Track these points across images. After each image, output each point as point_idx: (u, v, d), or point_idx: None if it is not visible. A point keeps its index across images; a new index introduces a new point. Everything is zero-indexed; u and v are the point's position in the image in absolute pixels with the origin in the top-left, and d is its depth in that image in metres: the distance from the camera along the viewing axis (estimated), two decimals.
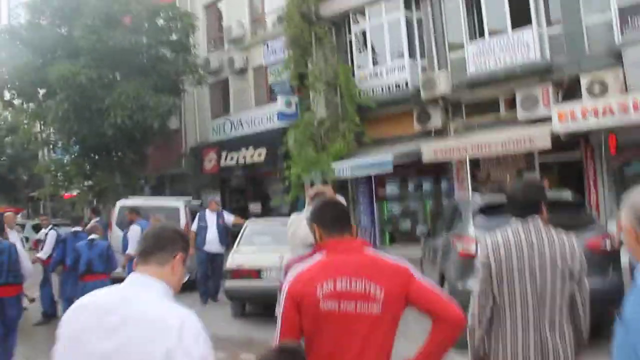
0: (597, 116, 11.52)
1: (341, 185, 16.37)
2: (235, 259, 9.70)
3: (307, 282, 2.48)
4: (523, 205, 3.22)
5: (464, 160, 14.88)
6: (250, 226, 10.75)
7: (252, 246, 9.99)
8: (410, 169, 16.16)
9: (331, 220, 2.67)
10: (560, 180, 13.92)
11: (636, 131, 11.80)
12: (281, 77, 18.10)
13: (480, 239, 3.37)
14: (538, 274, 3.06)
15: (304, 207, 17.48)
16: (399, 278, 2.49)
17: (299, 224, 5.10)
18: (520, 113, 13.47)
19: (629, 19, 11.56)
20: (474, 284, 3.26)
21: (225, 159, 20.17)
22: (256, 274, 9.33)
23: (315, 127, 16.73)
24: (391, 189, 17.86)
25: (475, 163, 15.24)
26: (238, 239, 10.30)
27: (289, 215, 18.58)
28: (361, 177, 16.53)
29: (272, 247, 9.67)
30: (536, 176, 12.42)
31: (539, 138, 12.28)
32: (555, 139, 12.24)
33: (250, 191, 21.60)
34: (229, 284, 9.56)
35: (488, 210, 7.34)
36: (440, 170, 16.00)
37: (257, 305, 10.22)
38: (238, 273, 9.45)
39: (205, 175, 21.35)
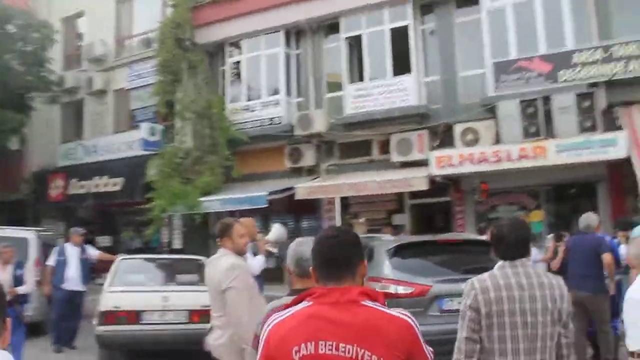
0: (473, 163, 11.99)
1: (203, 222, 15.57)
2: (110, 300, 8.41)
3: (282, 339, 1.94)
4: (512, 247, 3.07)
5: (336, 198, 14.77)
6: (124, 263, 9.53)
7: (127, 286, 8.79)
8: (276, 206, 15.71)
9: (322, 264, 2.06)
10: (429, 222, 14.35)
11: (503, 179, 12.57)
12: (147, 102, 17.04)
13: (466, 282, 3.15)
14: (529, 317, 2.93)
15: (159, 242, 16.20)
16: (401, 344, 1.92)
17: (214, 266, 4.43)
18: (395, 156, 13.67)
19: (502, 74, 12.24)
20: (458, 331, 3.03)
21: (75, 186, 18.42)
22: (135, 317, 8.22)
23: (181, 159, 15.84)
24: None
25: (344, 203, 15.18)
26: (110, 278, 9.04)
27: (141, 250, 17.28)
28: (224, 213, 15.79)
29: (152, 287, 8.70)
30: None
31: (417, 181, 12.52)
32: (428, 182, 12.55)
33: (99, 223, 19.85)
34: (102, 329, 8.20)
35: (400, 251, 7.16)
36: (306, 209, 15.70)
37: (132, 353, 8.99)
38: (113, 316, 8.24)
39: (49, 204, 19.33)
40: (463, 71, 13.37)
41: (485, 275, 3.06)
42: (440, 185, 13.20)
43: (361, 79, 14.34)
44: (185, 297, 8.51)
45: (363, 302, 1.96)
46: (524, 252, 3.08)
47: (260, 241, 6.38)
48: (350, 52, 14.63)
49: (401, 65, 13.63)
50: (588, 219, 7.45)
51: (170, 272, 9.59)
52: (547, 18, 12.16)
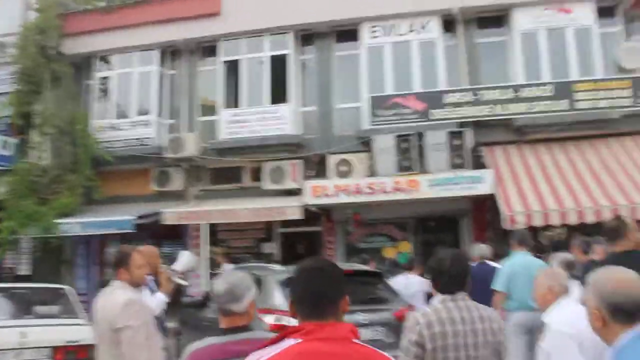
0: (347, 194, 12.18)
1: (57, 246, 14.45)
2: None
3: None
4: (454, 280, 3.10)
5: (203, 225, 14.31)
6: None
7: None
8: (136, 232, 14.88)
9: (306, 298, 1.94)
10: (299, 251, 14.34)
11: (374, 210, 12.94)
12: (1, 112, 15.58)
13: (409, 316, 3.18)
14: (472, 351, 2.94)
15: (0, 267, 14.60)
16: None
17: (107, 301, 3.96)
18: (267, 184, 13.57)
19: (378, 109, 12.63)
20: None
21: None
22: None
23: (37, 176, 14.62)
24: None
25: (211, 229, 14.75)
26: None
27: None
28: (80, 237, 14.74)
29: (5, 322, 7.76)
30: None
31: (291, 209, 12.50)
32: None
33: None
34: None
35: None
36: (170, 235, 15.00)
37: None
38: None
39: None
40: (340, 103, 13.67)
41: (428, 309, 3.05)
42: (311, 215, 13.27)
43: (237, 104, 14.16)
44: (47, 332, 7.63)
45: (354, 340, 1.87)
46: (465, 286, 3.10)
47: (163, 273, 5.81)
48: (228, 77, 14.42)
49: (279, 93, 13.66)
50: (481, 249, 7.80)
51: (27, 303, 8.61)
52: (422, 59, 12.86)
